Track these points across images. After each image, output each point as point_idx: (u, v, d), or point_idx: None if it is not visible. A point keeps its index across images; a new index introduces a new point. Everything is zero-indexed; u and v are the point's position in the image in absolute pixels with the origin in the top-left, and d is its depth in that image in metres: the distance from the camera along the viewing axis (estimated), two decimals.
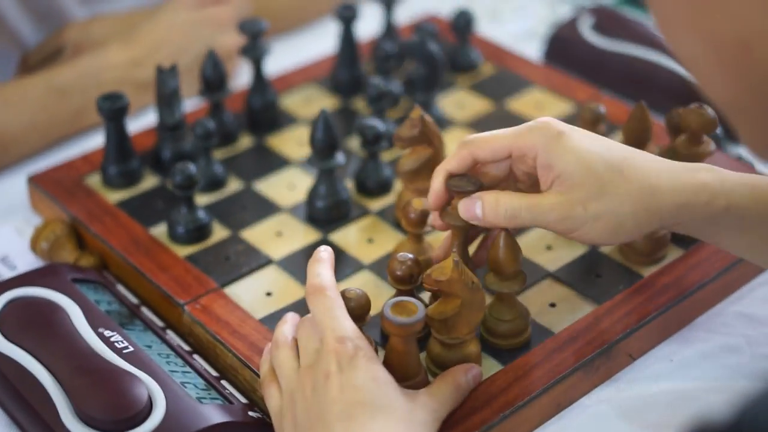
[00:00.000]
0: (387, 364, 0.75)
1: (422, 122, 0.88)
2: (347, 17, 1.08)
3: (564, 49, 1.18)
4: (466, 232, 0.82)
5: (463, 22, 1.12)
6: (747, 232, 0.77)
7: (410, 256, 0.80)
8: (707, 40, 0.52)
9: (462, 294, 0.76)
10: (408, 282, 0.80)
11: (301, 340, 0.75)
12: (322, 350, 0.72)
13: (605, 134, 1.01)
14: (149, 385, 0.76)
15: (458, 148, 0.81)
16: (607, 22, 1.18)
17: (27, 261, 0.95)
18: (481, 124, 1.06)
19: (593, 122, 0.95)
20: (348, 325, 0.73)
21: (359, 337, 0.73)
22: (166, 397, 0.76)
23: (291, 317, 0.79)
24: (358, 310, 0.77)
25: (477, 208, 0.78)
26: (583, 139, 0.78)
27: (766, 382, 0.48)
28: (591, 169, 0.76)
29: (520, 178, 0.81)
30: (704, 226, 0.77)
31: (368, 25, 1.19)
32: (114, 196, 0.97)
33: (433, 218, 0.83)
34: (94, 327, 0.82)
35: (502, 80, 1.12)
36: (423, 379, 0.77)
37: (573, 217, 0.76)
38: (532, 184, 0.80)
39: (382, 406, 0.70)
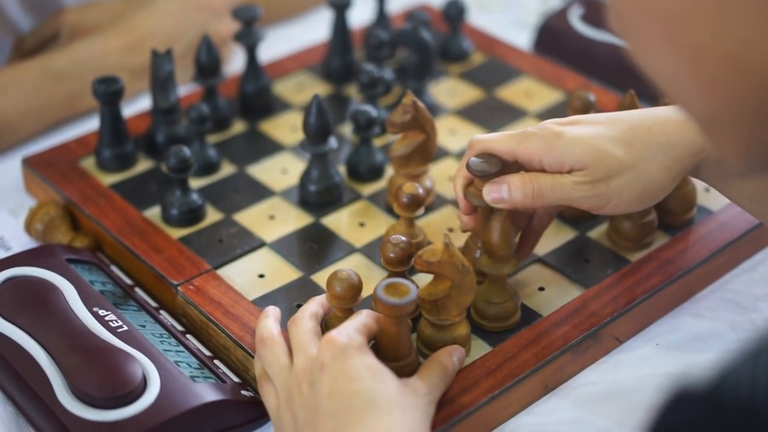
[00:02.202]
0: (379, 344, 0.77)
1: (414, 108, 0.90)
2: (340, 5, 1.09)
3: (554, 38, 1.19)
4: (490, 211, 0.82)
5: (454, 12, 1.13)
6: (748, 180, 0.79)
7: (403, 238, 0.81)
8: (686, 55, 0.51)
9: (452, 276, 0.77)
10: (401, 264, 0.81)
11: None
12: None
13: None
14: (143, 364, 0.77)
15: (468, 151, 0.82)
16: (596, 12, 1.20)
17: (22, 242, 0.96)
18: (471, 111, 1.07)
19: (583, 110, 0.97)
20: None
21: (349, 332, 0.74)
22: (160, 375, 0.77)
23: (272, 311, 0.80)
24: (350, 291, 0.78)
25: (503, 191, 0.79)
26: (583, 128, 0.80)
27: (746, 347, 0.49)
28: (602, 152, 0.78)
29: None
30: (715, 173, 0.79)
31: (360, 13, 1.20)
32: (108, 179, 0.98)
33: (465, 222, 0.85)
34: (89, 306, 0.83)
35: (493, 69, 1.14)
36: (414, 360, 0.78)
37: (598, 195, 0.79)
38: None
39: (378, 393, 0.70)
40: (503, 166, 0.81)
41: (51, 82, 1.06)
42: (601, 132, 0.79)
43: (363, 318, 0.75)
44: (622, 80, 1.13)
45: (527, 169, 0.81)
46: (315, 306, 0.79)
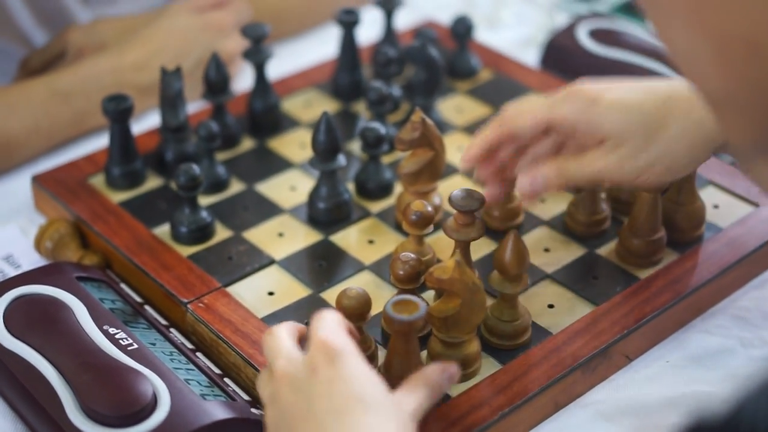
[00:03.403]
0: (388, 362, 0.77)
1: (423, 125, 0.90)
2: (349, 22, 1.09)
3: (561, 56, 1.19)
4: (468, 244, 0.83)
5: (462, 29, 1.14)
6: None
7: (413, 255, 0.81)
8: (707, 35, 0.52)
9: (462, 293, 0.77)
10: (411, 281, 0.81)
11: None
12: (308, 347, 0.71)
13: None
14: (154, 382, 0.77)
15: (495, 123, 0.82)
16: (604, 29, 1.20)
17: (31, 260, 0.96)
18: (480, 128, 1.07)
19: None
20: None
21: (344, 337, 0.72)
22: (170, 393, 0.77)
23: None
24: (359, 309, 0.78)
25: (538, 181, 0.79)
26: (620, 93, 0.79)
27: (762, 377, 0.49)
28: (636, 122, 0.78)
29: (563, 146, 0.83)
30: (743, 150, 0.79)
31: (367, 30, 1.21)
32: (117, 197, 0.98)
33: (479, 172, 0.85)
34: (99, 324, 0.83)
35: (501, 86, 1.14)
36: None
37: (629, 169, 0.79)
38: (576, 149, 0.82)
39: (373, 400, 0.68)
40: (484, 200, 0.82)
41: (58, 101, 1.06)
42: (639, 100, 0.78)
43: (338, 319, 0.73)
44: None
45: (558, 133, 0.81)
46: (291, 324, 0.77)
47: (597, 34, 1.20)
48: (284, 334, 0.73)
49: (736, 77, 0.52)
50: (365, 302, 0.78)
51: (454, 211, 0.83)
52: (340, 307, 0.78)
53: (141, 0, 1.26)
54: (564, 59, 1.19)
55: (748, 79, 0.51)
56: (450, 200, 0.82)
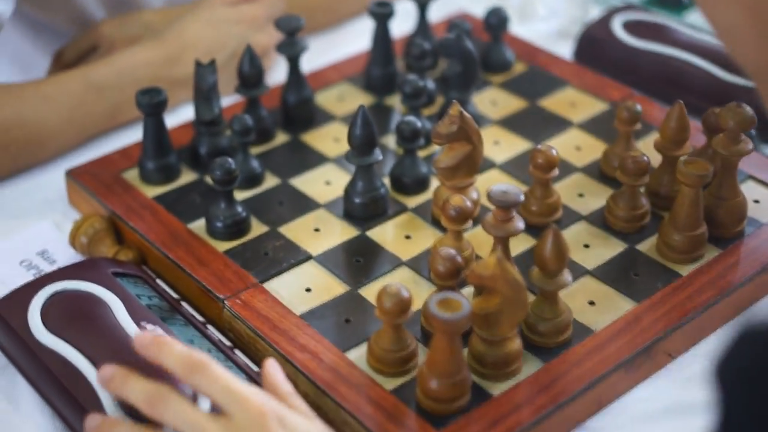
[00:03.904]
0: (432, 361, 0.76)
1: (461, 119, 0.89)
2: (383, 14, 1.08)
3: (595, 48, 1.18)
4: (507, 240, 0.82)
5: (495, 21, 1.12)
6: None
7: (453, 251, 0.80)
8: (746, 10, 0.53)
9: (504, 290, 0.76)
10: (451, 278, 0.80)
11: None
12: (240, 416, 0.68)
13: (640, 134, 1.01)
14: None
15: None
16: (639, 20, 1.18)
17: (66, 255, 0.95)
18: (516, 122, 1.06)
19: (630, 121, 0.96)
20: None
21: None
22: None
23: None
24: (400, 306, 0.77)
25: None
26: None
27: None
28: None
29: None
30: None
31: (399, 23, 1.19)
32: (152, 191, 0.98)
33: None
34: (136, 320, 0.82)
35: (535, 79, 1.13)
36: (465, 376, 0.77)
37: None
38: None
39: None
40: (524, 196, 0.80)
41: (93, 93, 1.05)
42: None
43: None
44: (666, 90, 1.12)
45: None
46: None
47: (631, 26, 1.18)
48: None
49: None
50: (406, 300, 0.77)
51: (493, 207, 0.82)
52: (381, 306, 0.77)
53: None
54: (598, 51, 1.18)
55: None
56: (489, 196, 0.80)
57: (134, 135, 1.07)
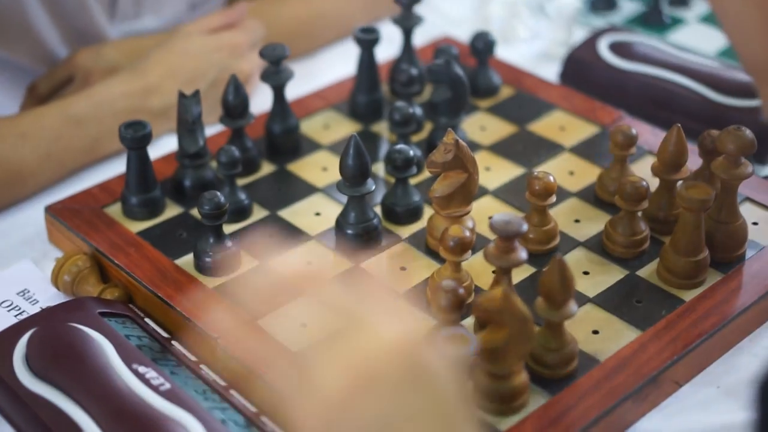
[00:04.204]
0: None
1: (457, 147, 0.87)
2: (368, 41, 1.06)
3: (582, 69, 1.17)
4: (510, 271, 0.80)
5: (482, 45, 1.10)
6: None
7: (454, 284, 0.78)
8: (757, 3, 0.54)
9: (511, 324, 0.74)
10: (454, 311, 0.77)
11: None
12: None
13: (636, 158, 1.00)
14: (191, 425, 0.74)
15: None
16: (624, 44, 1.17)
17: (48, 295, 0.92)
18: (506, 147, 1.04)
19: (626, 145, 0.94)
20: None
21: None
22: None
23: None
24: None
25: None
26: None
27: None
28: None
29: None
30: None
31: (382, 47, 1.17)
32: (136, 227, 0.94)
33: None
34: (128, 363, 0.79)
35: (523, 103, 1.11)
36: (467, 413, 0.74)
37: None
38: None
39: None
40: (527, 225, 0.78)
41: (71, 127, 1.02)
42: None
43: None
44: (655, 112, 1.11)
45: None
46: None
47: (617, 48, 1.17)
48: None
49: None
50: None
51: (494, 236, 0.80)
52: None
53: (165, 14, 1.22)
54: (585, 73, 1.16)
55: None
56: (491, 226, 0.78)
57: (111, 168, 1.04)
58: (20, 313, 0.90)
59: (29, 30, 1.13)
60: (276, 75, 1.01)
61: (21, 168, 1.00)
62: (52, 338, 0.81)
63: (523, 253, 0.79)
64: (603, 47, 1.17)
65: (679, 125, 0.90)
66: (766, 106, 0.57)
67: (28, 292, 0.93)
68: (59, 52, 1.16)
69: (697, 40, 1.25)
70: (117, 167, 1.03)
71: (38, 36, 1.14)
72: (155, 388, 0.77)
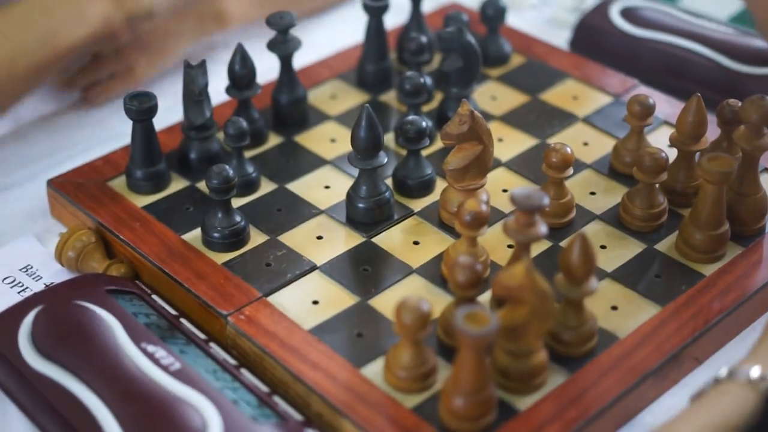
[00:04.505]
0: (457, 377, 0.71)
1: (472, 118, 0.84)
2: (377, 8, 1.03)
3: (593, 36, 1.14)
4: (529, 245, 0.78)
5: (492, 12, 1.08)
6: None
7: (472, 260, 0.76)
8: None
9: (533, 301, 0.72)
10: (472, 287, 0.75)
11: None
12: None
13: (651, 128, 0.98)
14: (202, 407, 0.72)
15: None
16: (635, 10, 1.14)
17: (52, 271, 0.90)
18: (518, 117, 1.02)
19: (643, 116, 0.92)
20: None
21: None
22: (221, 418, 0.71)
23: None
24: (421, 320, 0.73)
25: None
26: None
27: None
28: None
29: None
30: None
31: (388, 15, 1.14)
32: (141, 201, 0.92)
33: None
34: (137, 342, 0.77)
35: (534, 71, 1.08)
36: (492, 392, 0.72)
37: None
38: None
39: None
40: (548, 199, 0.76)
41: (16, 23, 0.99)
42: None
43: None
44: (669, 80, 1.08)
45: None
46: None
47: (629, 14, 1.14)
48: None
49: None
50: (427, 314, 0.73)
51: (507, 210, 0.78)
52: (401, 321, 0.73)
53: None
54: (596, 40, 1.14)
55: None
56: (512, 199, 0.76)
57: (117, 141, 1.01)
58: (24, 290, 0.88)
59: None
60: (283, 44, 0.98)
61: None
62: (59, 317, 0.79)
63: (543, 228, 0.77)
64: (615, 13, 1.14)
65: (699, 95, 0.88)
66: None
67: (32, 268, 0.90)
68: None
69: (709, 6, 1.23)
70: (122, 140, 1.00)
71: None
72: (165, 368, 0.75)
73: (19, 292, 0.88)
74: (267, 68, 1.02)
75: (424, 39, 1.00)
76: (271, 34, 0.98)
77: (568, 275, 0.75)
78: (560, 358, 0.78)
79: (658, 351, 0.78)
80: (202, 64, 0.92)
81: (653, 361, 0.78)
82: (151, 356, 0.76)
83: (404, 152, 0.93)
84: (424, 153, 0.96)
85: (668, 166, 0.88)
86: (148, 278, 0.87)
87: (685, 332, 0.80)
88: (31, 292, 0.88)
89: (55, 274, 0.89)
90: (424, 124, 0.90)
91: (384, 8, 1.03)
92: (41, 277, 0.89)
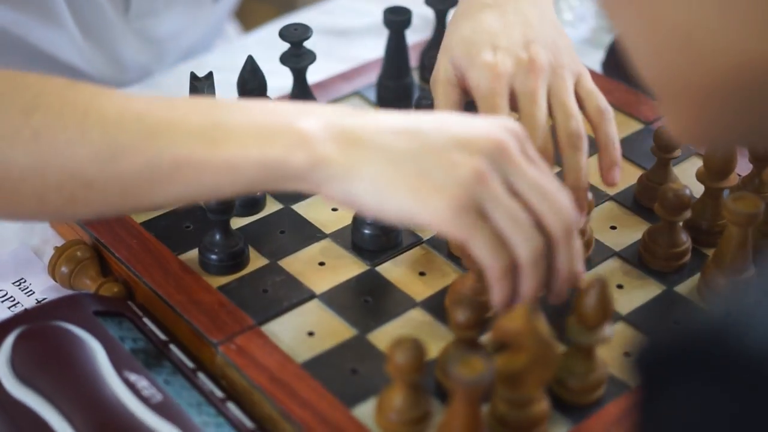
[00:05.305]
0: (447, 424, 0.67)
1: None
2: (398, 22, 0.99)
3: (626, 59, 1.08)
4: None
5: None
6: None
7: (473, 298, 0.71)
8: (648, 21, 0.52)
9: (532, 348, 0.67)
10: (473, 328, 0.71)
11: None
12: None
13: (681, 159, 0.93)
14: None
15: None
16: None
17: (44, 285, 0.87)
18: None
19: (669, 148, 0.87)
20: None
21: None
22: None
23: None
24: (415, 361, 0.68)
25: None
26: None
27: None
28: None
29: None
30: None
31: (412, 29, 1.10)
32: (140, 217, 0.89)
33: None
34: (119, 370, 0.73)
35: None
36: None
37: None
38: None
39: None
40: None
41: None
42: None
43: None
44: None
45: None
46: None
47: None
48: None
49: (670, 66, 0.52)
50: (422, 355, 0.68)
51: None
52: (394, 361, 0.68)
53: (182, 14, 1.15)
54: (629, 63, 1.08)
55: (679, 70, 0.52)
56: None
57: None
58: (14, 305, 0.85)
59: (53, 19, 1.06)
60: (296, 57, 0.94)
61: None
62: (40, 340, 0.75)
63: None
64: None
65: None
66: (666, 120, 0.57)
67: (25, 282, 0.87)
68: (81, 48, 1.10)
69: None
70: None
71: (60, 25, 1.07)
72: (146, 400, 0.71)
73: (9, 308, 0.85)
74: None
75: None
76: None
77: (581, 320, 0.71)
78: (564, 407, 0.73)
79: None
80: (209, 77, 0.88)
81: None
82: (132, 386, 0.72)
83: None
84: None
85: (693, 203, 0.83)
86: (141, 298, 0.84)
87: None
88: (21, 308, 0.85)
89: (48, 290, 0.86)
90: None
91: (406, 22, 0.99)
92: (33, 292, 0.86)
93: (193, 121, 0.67)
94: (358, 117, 0.68)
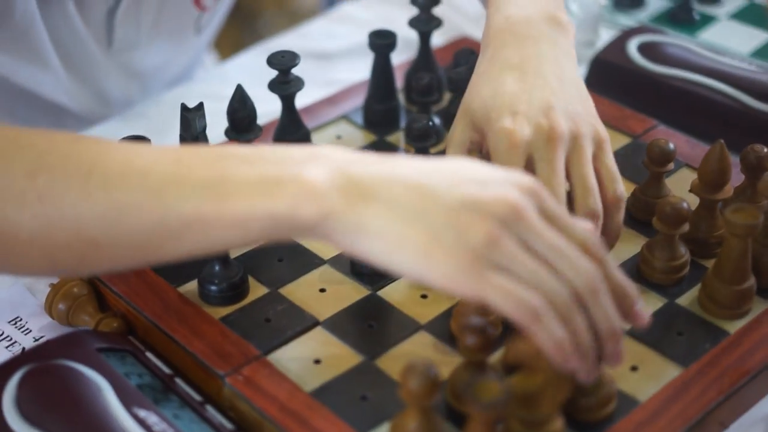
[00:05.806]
0: None
1: None
2: (384, 45, 0.99)
3: (610, 72, 1.10)
4: None
5: None
6: None
7: (481, 320, 0.71)
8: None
9: (548, 369, 0.67)
10: (482, 351, 0.71)
11: None
12: None
13: (672, 172, 0.93)
14: None
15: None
16: (654, 46, 1.10)
17: (41, 323, 0.86)
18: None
19: (662, 162, 0.87)
20: None
21: None
22: None
23: None
24: (429, 386, 0.68)
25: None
26: None
27: None
28: None
29: None
30: None
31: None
32: None
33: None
34: (128, 406, 0.73)
35: None
36: None
37: None
38: None
39: None
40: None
41: None
42: None
43: None
44: (691, 121, 1.04)
45: None
46: None
47: (647, 49, 1.10)
48: None
49: None
50: (436, 379, 0.68)
51: None
52: (407, 386, 0.68)
53: (165, 47, 1.14)
54: (613, 77, 1.09)
55: None
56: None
57: None
58: (12, 344, 0.84)
59: (37, 54, 1.05)
60: (284, 85, 0.94)
61: None
62: (46, 379, 0.74)
63: None
64: (632, 49, 1.10)
65: (722, 141, 0.84)
66: None
67: (20, 320, 0.86)
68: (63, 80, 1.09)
69: (729, 39, 1.18)
70: None
71: (44, 61, 1.06)
72: None
73: (7, 347, 0.84)
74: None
75: (432, 79, 0.96)
76: None
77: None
78: (576, 423, 0.73)
79: (681, 417, 0.74)
80: (200, 107, 0.88)
81: (676, 427, 0.73)
82: (142, 422, 0.71)
83: None
84: None
85: (690, 215, 0.83)
86: (142, 333, 0.83)
87: (709, 396, 0.75)
88: (19, 347, 0.84)
89: (45, 327, 0.85)
90: None
91: (391, 46, 0.99)
92: (30, 330, 0.85)
93: (199, 175, 0.66)
94: (369, 165, 0.67)
